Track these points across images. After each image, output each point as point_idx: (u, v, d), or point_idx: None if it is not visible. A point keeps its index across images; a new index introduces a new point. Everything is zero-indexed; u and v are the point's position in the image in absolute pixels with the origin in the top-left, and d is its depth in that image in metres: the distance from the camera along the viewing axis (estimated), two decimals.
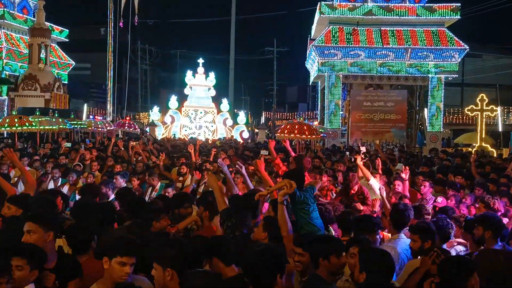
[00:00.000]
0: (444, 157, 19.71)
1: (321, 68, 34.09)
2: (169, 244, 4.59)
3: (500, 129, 34.02)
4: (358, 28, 33.65)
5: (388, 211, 7.70)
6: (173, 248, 4.50)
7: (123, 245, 4.63)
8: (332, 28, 33.80)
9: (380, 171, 11.20)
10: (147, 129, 38.67)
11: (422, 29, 33.57)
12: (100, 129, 31.68)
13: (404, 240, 6.54)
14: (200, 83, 39.75)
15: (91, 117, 38.48)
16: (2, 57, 37.90)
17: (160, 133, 37.51)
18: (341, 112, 35.20)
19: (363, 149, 14.34)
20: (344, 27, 33.80)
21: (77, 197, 9.08)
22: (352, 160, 14.11)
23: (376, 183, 9.81)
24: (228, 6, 56.67)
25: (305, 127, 21.71)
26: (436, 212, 8.19)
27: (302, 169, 7.86)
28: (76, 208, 6.98)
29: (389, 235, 7.16)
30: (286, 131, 21.60)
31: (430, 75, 33.68)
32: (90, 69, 73.52)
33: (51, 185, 11.48)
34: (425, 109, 35.08)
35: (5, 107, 35.41)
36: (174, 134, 37.10)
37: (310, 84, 47.49)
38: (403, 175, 10.18)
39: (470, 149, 28.68)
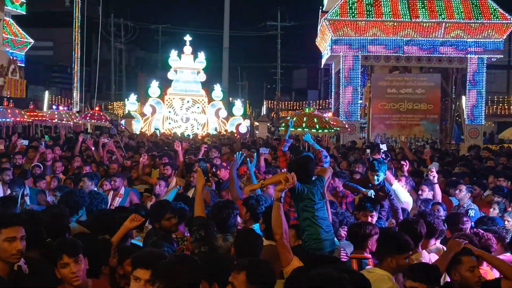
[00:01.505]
0: (488, 155, 19.67)
1: (335, 47, 34.06)
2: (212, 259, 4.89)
3: None
4: None
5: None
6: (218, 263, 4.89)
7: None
8: None
9: (406, 173, 11.20)
10: (123, 121, 38.68)
11: None
12: (65, 122, 31.68)
13: (427, 258, 6.58)
14: (187, 65, 39.76)
15: (53, 107, 38.50)
16: None
17: (138, 127, 37.53)
18: (360, 101, 35.18)
19: (383, 147, 14.35)
20: None
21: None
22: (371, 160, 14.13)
23: (401, 187, 9.81)
24: None
25: (315, 120, 21.69)
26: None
27: (311, 158, 7.84)
28: None
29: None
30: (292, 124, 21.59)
31: (469, 56, 33.63)
32: (53, 48, 73.56)
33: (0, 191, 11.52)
34: (463, 97, 35.04)
35: None
36: (157, 129, 37.14)
37: (322, 66, 47.40)
38: (431, 177, 10.18)
39: None
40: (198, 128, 38.25)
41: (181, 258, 4.70)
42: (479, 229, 7.08)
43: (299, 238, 6.94)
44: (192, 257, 4.81)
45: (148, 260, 4.91)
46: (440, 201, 9.95)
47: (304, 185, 6.81)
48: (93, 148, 17.06)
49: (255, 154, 13.99)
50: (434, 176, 10.12)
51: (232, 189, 9.30)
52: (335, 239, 7.27)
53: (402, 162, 11.50)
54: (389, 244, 6.17)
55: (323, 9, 38.55)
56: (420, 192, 10.27)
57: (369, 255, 6.63)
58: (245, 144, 23.98)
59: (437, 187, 10.23)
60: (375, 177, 9.11)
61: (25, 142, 17.03)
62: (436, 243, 7.31)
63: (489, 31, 33.09)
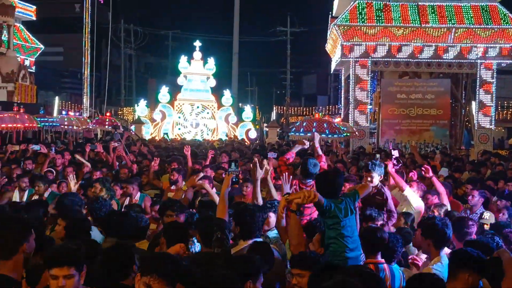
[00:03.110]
0: (497, 161, 19.61)
1: (345, 52, 34.05)
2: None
3: None
4: (391, 3, 33.60)
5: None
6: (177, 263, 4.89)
7: (51, 255, 4.92)
8: (358, 3, 33.74)
9: (416, 178, 11.18)
10: (132, 127, 38.75)
11: (469, 4, 33.46)
12: (75, 127, 31.76)
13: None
14: (196, 71, 39.83)
15: (63, 112, 38.63)
16: None
17: (148, 132, 37.59)
18: (369, 107, 35.13)
19: (395, 153, 14.38)
20: (373, 2, 33.72)
21: None
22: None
23: (412, 193, 9.79)
24: None
25: (325, 125, 21.72)
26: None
27: (339, 173, 7.83)
28: None
29: (422, 257, 7.18)
30: (302, 129, 21.61)
31: (479, 61, 33.55)
32: (63, 54, 73.90)
33: (16, 197, 11.59)
34: (473, 103, 34.96)
35: None
36: (166, 134, 37.21)
37: (332, 72, 47.42)
38: (427, 174, 10.38)
39: None
40: (208, 134, 38.28)
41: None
42: (488, 233, 7.07)
43: (323, 245, 6.87)
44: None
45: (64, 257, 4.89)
46: (445, 202, 9.95)
47: (331, 201, 6.70)
48: (102, 152, 17.14)
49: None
50: (428, 172, 10.33)
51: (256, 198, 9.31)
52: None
53: (411, 174, 11.46)
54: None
55: (333, 14, 38.54)
56: (425, 201, 10.24)
57: (383, 260, 6.62)
58: (255, 149, 23.99)
59: (440, 188, 10.23)
60: (368, 178, 9.08)
61: (37, 147, 17.04)
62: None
63: (499, 36, 33.02)
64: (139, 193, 11.43)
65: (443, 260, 6.61)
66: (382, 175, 9.47)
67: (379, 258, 6.65)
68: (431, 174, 10.28)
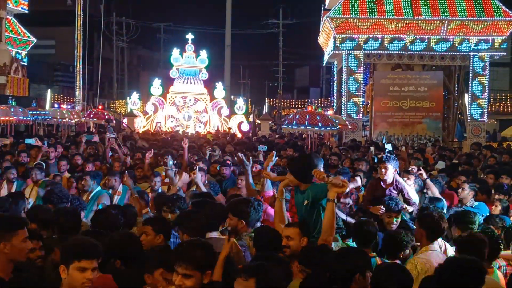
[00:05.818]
0: (489, 153, 19.69)
1: (337, 44, 34.02)
2: None
3: None
4: None
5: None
6: None
7: (80, 248, 4.95)
8: None
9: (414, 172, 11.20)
10: (125, 120, 38.70)
11: None
12: (67, 120, 31.67)
13: (437, 253, 6.56)
14: (189, 63, 39.73)
15: (55, 106, 38.52)
16: None
17: (140, 125, 37.56)
18: (362, 99, 35.15)
19: (388, 147, 14.35)
20: None
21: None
22: (376, 160, 14.16)
23: (408, 186, 9.80)
24: None
25: (318, 117, 21.70)
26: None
27: (312, 154, 7.79)
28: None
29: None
30: (294, 122, 21.61)
31: (471, 53, 33.58)
32: (55, 47, 73.61)
33: (4, 189, 11.54)
34: (466, 95, 35.02)
35: None
36: (159, 122, 37.29)
37: (324, 64, 47.43)
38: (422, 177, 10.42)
39: None
40: (200, 126, 38.22)
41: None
42: (489, 226, 7.10)
43: (305, 235, 6.75)
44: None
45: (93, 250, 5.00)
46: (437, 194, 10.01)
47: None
48: (98, 142, 17.17)
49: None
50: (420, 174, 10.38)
51: (249, 188, 9.34)
52: None
53: (411, 168, 11.39)
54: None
55: (325, 6, 38.51)
56: (425, 190, 10.30)
57: (374, 253, 6.64)
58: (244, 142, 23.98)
59: (430, 184, 10.30)
60: (383, 170, 9.15)
61: (32, 141, 16.88)
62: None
63: (492, 29, 33.05)
64: (121, 185, 11.29)
65: (432, 248, 6.62)
66: (397, 169, 9.53)
67: (372, 251, 6.68)
68: (425, 176, 10.36)
